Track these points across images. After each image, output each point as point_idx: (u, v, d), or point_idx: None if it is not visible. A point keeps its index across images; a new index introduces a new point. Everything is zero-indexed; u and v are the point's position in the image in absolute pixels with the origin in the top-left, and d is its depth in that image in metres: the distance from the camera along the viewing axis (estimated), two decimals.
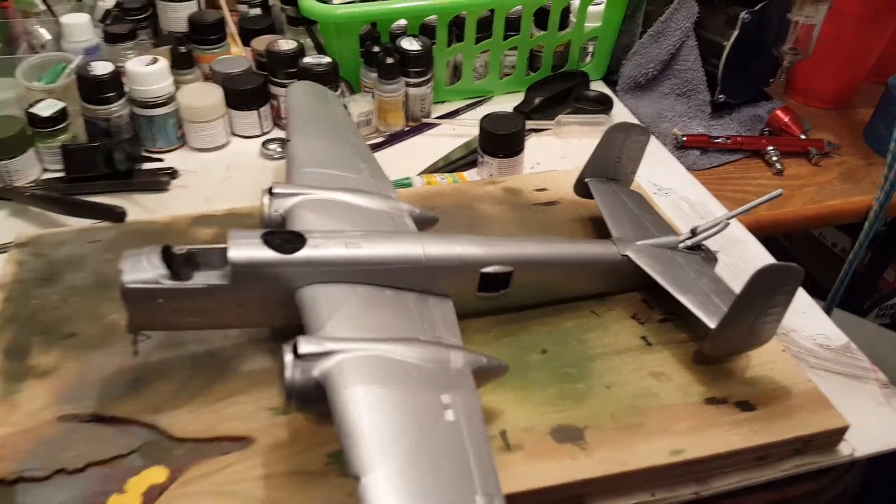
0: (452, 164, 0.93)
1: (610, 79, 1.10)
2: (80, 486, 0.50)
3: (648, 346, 0.61)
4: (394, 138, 0.97)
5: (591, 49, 1.09)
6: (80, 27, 0.98)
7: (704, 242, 0.67)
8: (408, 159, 0.92)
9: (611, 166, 0.72)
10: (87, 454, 0.52)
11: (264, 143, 0.95)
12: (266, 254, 0.53)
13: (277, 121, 0.98)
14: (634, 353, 0.61)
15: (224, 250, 0.54)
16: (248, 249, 0.53)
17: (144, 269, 0.51)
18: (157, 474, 0.51)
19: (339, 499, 0.49)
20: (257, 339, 0.62)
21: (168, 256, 0.53)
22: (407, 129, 0.98)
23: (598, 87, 1.07)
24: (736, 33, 1.00)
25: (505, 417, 0.55)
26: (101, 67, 0.88)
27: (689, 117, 1.03)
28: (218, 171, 0.91)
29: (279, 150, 0.94)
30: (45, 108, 0.86)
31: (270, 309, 0.56)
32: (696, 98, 1.04)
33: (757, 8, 0.98)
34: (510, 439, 0.53)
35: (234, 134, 0.97)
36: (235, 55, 1.02)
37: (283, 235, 0.55)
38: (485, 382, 0.52)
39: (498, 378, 0.54)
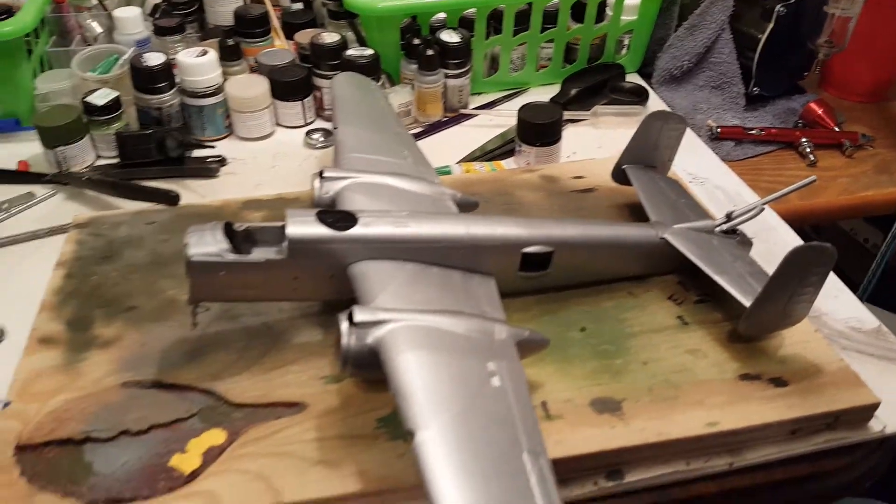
0: (488, 153, 0.95)
1: (645, 71, 1.11)
2: (144, 447, 0.54)
3: (684, 325, 0.63)
4: (432, 128, 0.99)
5: (626, 42, 1.10)
6: (131, 20, 1.02)
7: (739, 227, 0.68)
8: (445, 149, 0.95)
9: (648, 153, 0.74)
10: (149, 417, 0.56)
11: (308, 133, 0.98)
12: (321, 230, 0.56)
13: (320, 112, 1.02)
14: (670, 331, 0.63)
15: (280, 228, 0.57)
16: (304, 226, 0.56)
17: (208, 243, 0.54)
18: (216, 436, 0.54)
19: (390, 461, 0.52)
20: (309, 314, 0.65)
21: (229, 232, 0.56)
22: (445, 119, 1.01)
23: (633, 79, 1.09)
24: (771, 26, 1.01)
25: (546, 389, 0.57)
26: (154, 59, 0.92)
27: (724, 109, 1.04)
28: (264, 160, 0.94)
29: (322, 139, 0.97)
30: (100, 98, 0.90)
31: (323, 283, 0.59)
32: (730, 90, 1.05)
33: (793, 1, 0.99)
34: (551, 409, 0.55)
35: (278, 124, 1.00)
36: (279, 48, 1.05)
37: (336, 214, 0.58)
38: (527, 355, 0.55)
39: (539, 351, 0.56)
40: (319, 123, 1.01)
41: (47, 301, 0.67)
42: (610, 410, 0.55)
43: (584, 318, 0.64)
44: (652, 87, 1.07)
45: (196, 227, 0.55)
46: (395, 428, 0.54)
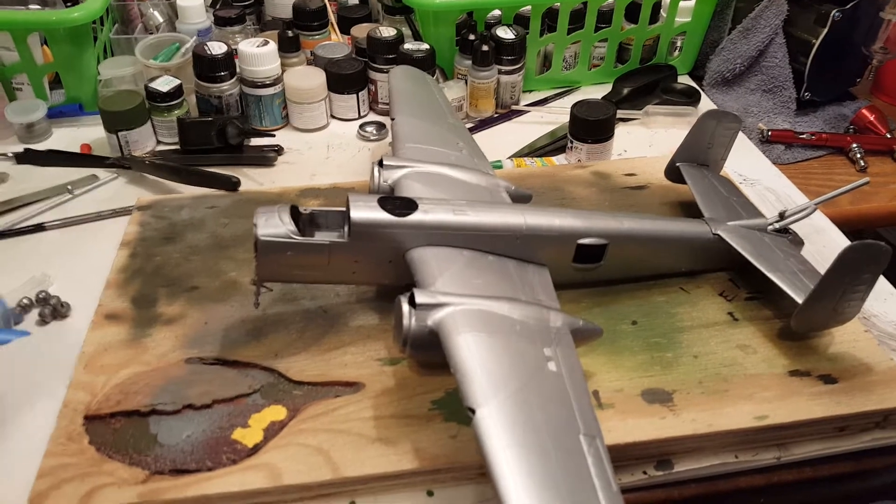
0: (537, 151, 0.96)
1: (697, 73, 1.12)
2: (208, 420, 0.56)
3: (735, 321, 0.64)
4: (483, 124, 1.01)
5: (679, 43, 1.11)
6: (194, 10, 1.05)
7: (791, 226, 0.69)
8: (496, 144, 0.96)
9: (702, 152, 0.74)
10: (212, 392, 0.58)
11: (361, 126, 1.00)
12: (382, 216, 0.58)
13: (373, 105, 1.04)
14: (721, 326, 0.63)
15: (342, 213, 0.60)
16: (366, 211, 0.58)
17: (277, 225, 0.57)
18: (277, 412, 0.57)
19: (444, 441, 0.54)
20: (363, 299, 0.67)
21: (295, 215, 0.58)
22: (496, 115, 1.02)
23: (685, 80, 1.09)
24: (825, 31, 1.00)
25: (597, 379, 0.58)
26: (216, 48, 0.94)
27: (775, 113, 1.04)
28: (319, 151, 0.97)
29: (375, 132, 0.99)
30: (163, 84, 0.93)
31: (381, 268, 0.61)
32: (782, 95, 1.05)
33: (848, 6, 0.99)
34: (602, 398, 0.57)
35: (332, 116, 1.02)
36: (335, 41, 1.07)
37: (396, 200, 0.60)
38: (580, 344, 0.56)
39: (592, 340, 0.57)
40: (373, 117, 1.03)
41: (112, 279, 0.70)
42: (660, 401, 0.56)
43: (635, 312, 0.65)
44: (703, 89, 1.07)
45: (264, 208, 0.58)
46: (449, 410, 0.56)
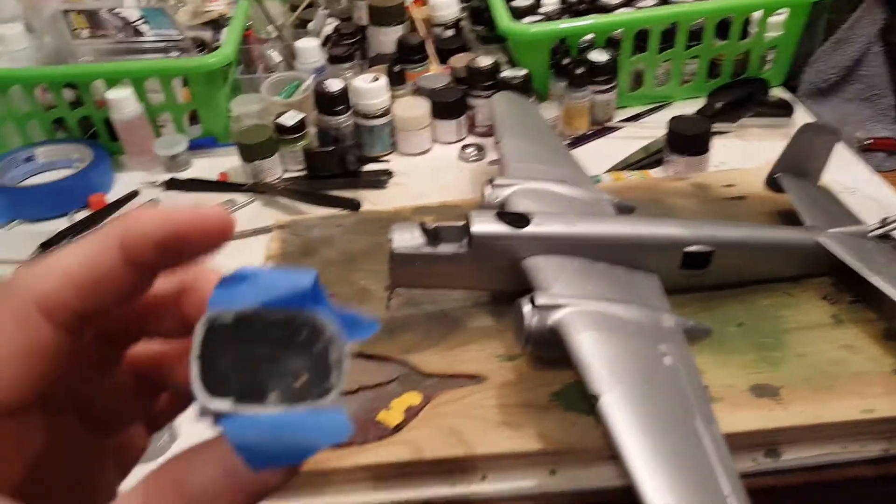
0: (632, 165, 1.01)
1: (790, 84, 1.13)
2: (355, 403, 0.64)
3: (839, 322, 0.67)
4: (578, 141, 1.06)
5: (770, 56, 1.13)
6: (310, 50, 1.15)
7: (893, 233, 0.71)
8: (592, 160, 1.00)
9: (801, 163, 0.77)
10: (357, 380, 0.65)
11: (462, 148, 1.07)
12: (500, 228, 0.64)
13: (472, 129, 1.10)
14: (826, 328, 0.66)
15: (461, 227, 0.66)
16: (485, 224, 0.65)
17: (408, 239, 0.64)
18: (414, 398, 0.64)
19: (566, 427, 0.59)
20: (480, 303, 0.73)
21: (423, 231, 0.65)
22: (590, 132, 1.07)
23: (778, 92, 1.11)
24: None
25: (707, 376, 0.62)
26: (334, 85, 1.04)
27: (874, 121, 1.05)
28: (424, 173, 1.04)
29: (474, 153, 1.06)
30: (289, 119, 1.03)
31: (499, 275, 0.67)
32: (880, 103, 1.06)
33: None
34: (712, 393, 0.60)
35: (434, 140, 1.10)
36: (435, 72, 1.15)
37: (511, 215, 0.66)
38: (691, 344, 0.60)
39: (702, 340, 0.62)
40: (471, 139, 1.10)
41: None
42: (769, 395, 0.60)
43: (741, 315, 0.68)
44: (798, 100, 1.09)
45: (397, 224, 0.65)
46: (568, 401, 0.61)
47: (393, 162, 1.06)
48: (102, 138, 1.10)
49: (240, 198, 0.99)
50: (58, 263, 0.22)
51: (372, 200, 0.99)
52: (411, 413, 0.62)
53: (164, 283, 0.25)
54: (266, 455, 0.20)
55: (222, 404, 0.20)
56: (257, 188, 0.99)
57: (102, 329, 0.25)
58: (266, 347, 0.23)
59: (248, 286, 0.22)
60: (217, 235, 0.23)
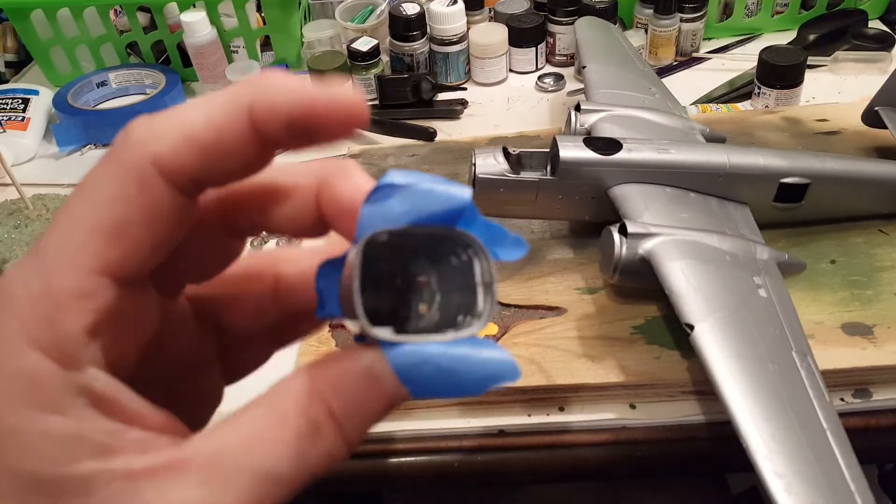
0: (718, 98, 0.97)
1: (889, 18, 1.07)
2: None
3: None
4: (662, 72, 1.02)
5: None
6: None
7: None
8: (676, 92, 0.95)
9: None
10: None
11: (539, 78, 1.04)
12: (588, 154, 0.63)
13: (550, 58, 1.07)
14: None
15: (545, 153, 0.65)
16: (573, 150, 0.63)
17: (492, 164, 0.63)
18: (490, 328, 0.63)
19: (648, 361, 0.58)
20: (557, 236, 0.72)
21: (506, 155, 0.64)
22: (675, 63, 1.03)
23: (877, 25, 1.05)
24: None
25: (798, 313, 0.60)
26: (411, 8, 1.01)
27: None
28: (499, 103, 1.02)
29: (553, 84, 1.03)
30: (363, 44, 1.01)
31: (583, 204, 0.65)
32: None
33: None
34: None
35: (511, 70, 1.07)
36: None
37: (601, 140, 0.64)
38: (784, 276, 0.58)
39: (796, 274, 0.60)
40: (549, 69, 1.07)
41: None
42: (861, 334, 0.58)
43: (833, 252, 0.66)
44: None
45: (481, 149, 0.64)
46: (651, 334, 0.60)
47: (468, 92, 1.04)
48: (175, 64, 1.10)
49: None
50: (180, 120, 0.20)
51: (446, 130, 0.97)
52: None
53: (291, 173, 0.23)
54: (428, 388, 0.19)
55: (384, 332, 0.19)
56: None
57: (220, 207, 0.23)
58: (416, 267, 0.21)
59: (400, 201, 0.20)
60: (353, 121, 0.21)
